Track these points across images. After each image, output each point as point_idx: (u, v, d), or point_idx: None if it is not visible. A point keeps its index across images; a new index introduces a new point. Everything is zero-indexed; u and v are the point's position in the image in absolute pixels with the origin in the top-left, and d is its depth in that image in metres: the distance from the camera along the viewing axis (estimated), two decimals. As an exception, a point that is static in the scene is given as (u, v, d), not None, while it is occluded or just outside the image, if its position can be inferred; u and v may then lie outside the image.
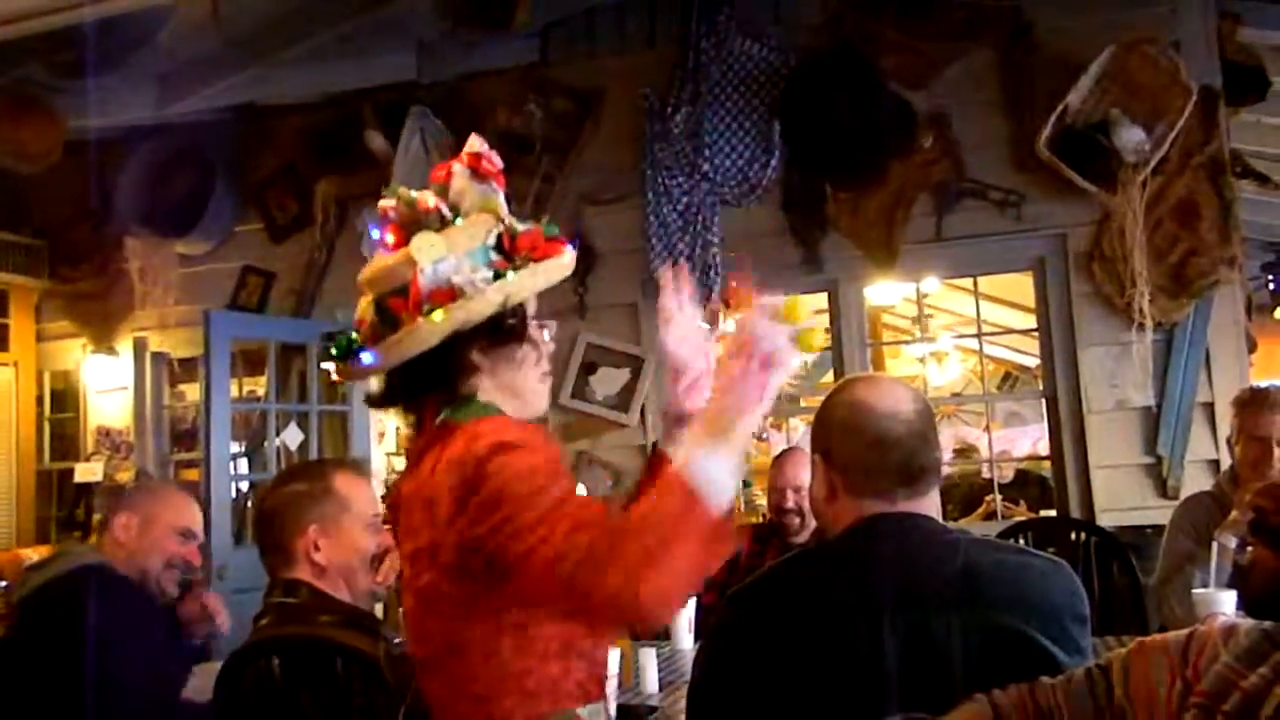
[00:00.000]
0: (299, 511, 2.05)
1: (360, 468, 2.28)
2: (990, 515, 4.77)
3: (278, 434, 4.97)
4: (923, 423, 1.57)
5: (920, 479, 1.55)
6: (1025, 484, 5.46)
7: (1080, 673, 1.43)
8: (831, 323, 4.63)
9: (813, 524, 3.41)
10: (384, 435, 6.56)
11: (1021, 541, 3.41)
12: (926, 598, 1.46)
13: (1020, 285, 5.31)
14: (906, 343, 7.80)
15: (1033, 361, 8.24)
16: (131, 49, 4.56)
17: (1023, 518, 4.67)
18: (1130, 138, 3.99)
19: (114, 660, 2.22)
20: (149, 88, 4.92)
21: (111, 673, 2.20)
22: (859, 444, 1.56)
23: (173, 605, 2.61)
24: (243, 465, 5.40)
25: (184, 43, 4.58)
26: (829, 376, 8.08)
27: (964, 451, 6.62)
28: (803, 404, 9.10)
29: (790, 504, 3.45)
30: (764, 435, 10.80)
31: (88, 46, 4.34)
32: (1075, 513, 4.18)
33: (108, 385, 5.68)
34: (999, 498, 4.86)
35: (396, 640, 2.08)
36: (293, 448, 5.03)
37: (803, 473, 3.40)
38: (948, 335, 7.51)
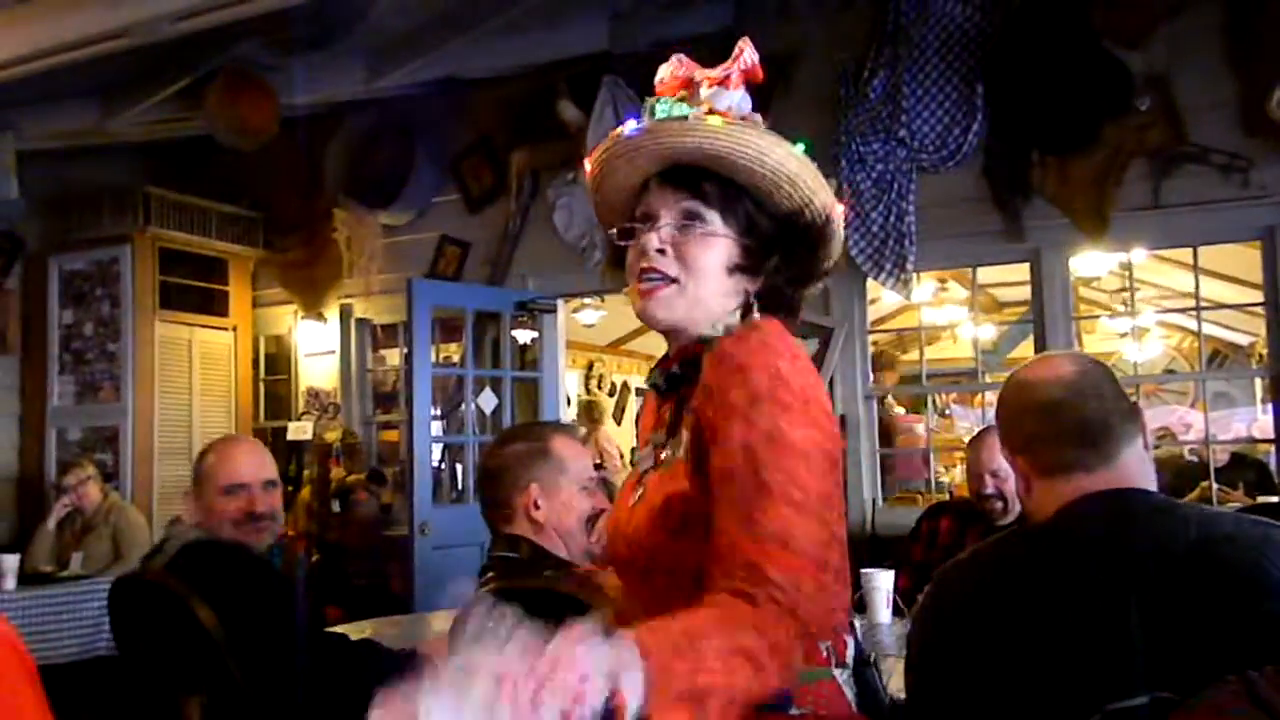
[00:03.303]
0: (520, 470, 2.14)
1: (574, 433, 2.36)
2: (1203, 500, 4.50)
3: (474, 398, 5.15)
4: (1086, 381, 1.48)
5: (1105, 438, 1.45)
6: (1241, 467, 5.11)
7: (1345, 653, 1.33)
8: (1033, 295, 4.45)
9: (1017, 508, 3.26)
10: (569, 401, 6.69)
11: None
12: (1157, 574, 1.38)
13: (1232, 256, 4.97)
14: (1106, 316, 7.42)
15: (1244, 339, 7.71)
16: (345, 26, 4.76)
17: (1238, 504, 4.38)
18: (1376, 95, 3.67)
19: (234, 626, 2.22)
20: (357, 64, 5.12)
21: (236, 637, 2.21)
22: (1029, 419, 1.51)
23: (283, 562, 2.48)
24: (436, 428, 5.61)
25: (391, 18, 4.75)
26: (1020, 351, 7.78)
27: (1163, 434, 6.24)
28: (988, 379, 8.77)
29: (990, 489, 3.22)
30: (947, 411, 10.51)
31: (304, 25, 4.57)
32: (1301, 499, 3.93)
33: (317, 349, 6.01)
34: (1214, 484, 4.57)
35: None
36: (487, 412, 5.20)
37: (999, 455, 3.24)
38: (1150, 310, 7.11)
